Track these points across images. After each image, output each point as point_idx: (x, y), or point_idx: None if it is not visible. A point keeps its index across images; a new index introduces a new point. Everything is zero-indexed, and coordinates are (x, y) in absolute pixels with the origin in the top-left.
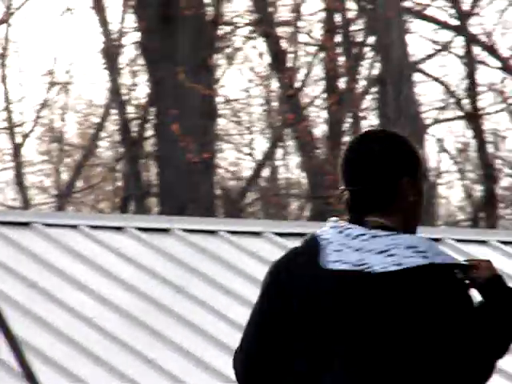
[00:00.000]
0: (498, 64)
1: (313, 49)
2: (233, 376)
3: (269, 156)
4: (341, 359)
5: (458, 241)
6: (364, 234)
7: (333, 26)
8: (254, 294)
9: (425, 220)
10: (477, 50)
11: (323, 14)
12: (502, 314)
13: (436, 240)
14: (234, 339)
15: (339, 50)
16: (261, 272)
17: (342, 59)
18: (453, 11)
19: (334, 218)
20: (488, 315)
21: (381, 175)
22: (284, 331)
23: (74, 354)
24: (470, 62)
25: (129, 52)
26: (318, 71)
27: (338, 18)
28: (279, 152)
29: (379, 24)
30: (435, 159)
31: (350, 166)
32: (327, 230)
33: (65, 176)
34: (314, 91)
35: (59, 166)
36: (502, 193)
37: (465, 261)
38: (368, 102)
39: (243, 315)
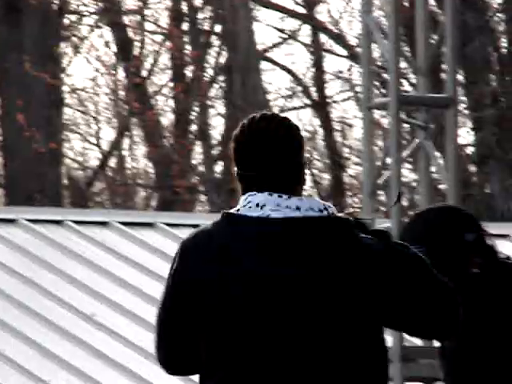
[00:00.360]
0: (345, 52)
1: (159, 37)
2: None
3: (115, 145)
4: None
5: None
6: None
7: (179, 14)
8: (99, 282)
9: None
10: (324, 38)
11: (169, 2)
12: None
13: None
14: (82, 329)
15: (186, 38)
16: (106, 260)
17: (188, 48)
18: None
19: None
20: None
21: (290, 156)
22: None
23: None
24: (317, 51)
25: None
26: (165, 60)
27: (184, 6)
28: (126, 141)
29: (226, 12)
30: None
31: (259, 149)
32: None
33: None
34: (160, 80)
35: None
36: (349, 181)
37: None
38: (215, 90)
39: (87, 302)
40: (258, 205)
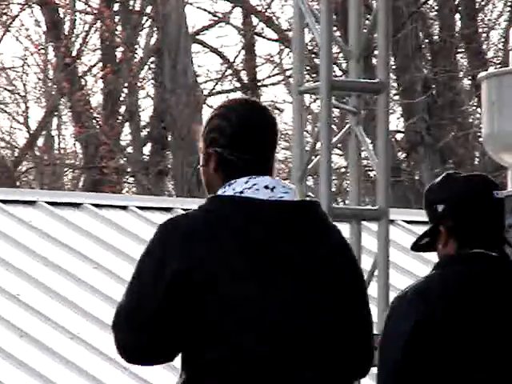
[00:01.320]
0: (276, 36)
1: (90, 17)
2: None
3: (44, 125)
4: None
5: None
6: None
7: None
8: (24, 261)
9: (200, 192)
10: (255, 22)
11: None
12: None
13: None
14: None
15: (117, 19)
16: (34, 240)
17: (119, 28)
18: None
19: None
20: None
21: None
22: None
23: None
24: (248, 34)
25: None
26: (95, 40)
27: None
28: (54, 121)
29: None
30: None
31: (274, 136)
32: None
33: None
34: (90, 60)
35: None
36: (277, 166)
37: None
38: (145, 71)
39: (13, 282)
40: (267, 187)
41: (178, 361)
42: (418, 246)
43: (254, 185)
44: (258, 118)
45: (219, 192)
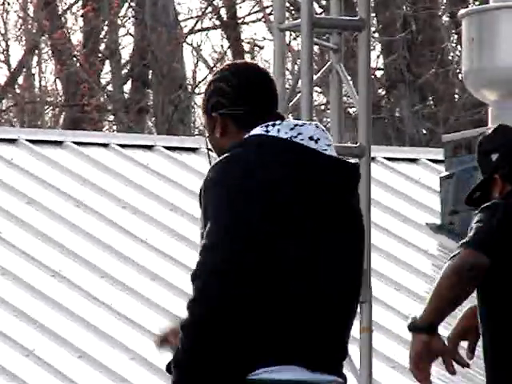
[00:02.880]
0: None
1: None
2: None
3: (24, 63)
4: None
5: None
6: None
7: None
8: (7, 199)
9: (181, 129)
10: None
11: None
12: None
13: (192, 149)
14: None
15: None
16: (15, 178)
17: None
18: None
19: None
20: None
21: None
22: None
23: None
24: None
25: None
26: None
27: None
28: (35, 59)
29: None
30: (191, 68)
31: (274, 91)
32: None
33: None
34: None
35: None
36: None
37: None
38: (125, 9)
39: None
40: (311, 138)
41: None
42: (472, 201)
43: (300, 134)
44: (255, 74)
45: (256, 130)
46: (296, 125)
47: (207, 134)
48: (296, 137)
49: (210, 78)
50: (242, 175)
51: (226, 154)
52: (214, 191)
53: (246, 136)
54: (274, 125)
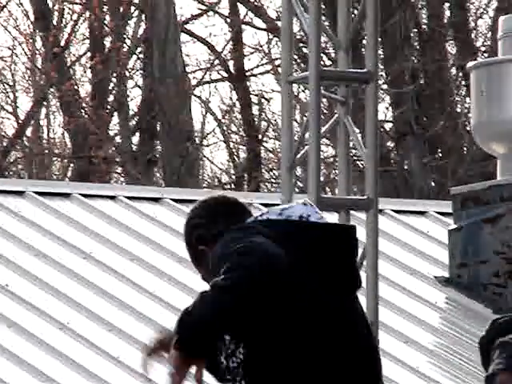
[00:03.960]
0: (265, 25)
1: (78, 7)
2: None
3: (32, 115)
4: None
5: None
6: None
7: None
8: (15, 252)
9: (189, 181)
10: (243, 11)
11: None
12: None
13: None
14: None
15: (105, 8)
16: (23, 230)
17: (107, 18)
18: None
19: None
20: None
21: None
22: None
23: None
24: (236, 23)
25: None
26: (84, 30)
27: None
28: (43, 111)
29: None
30: (200, 120)
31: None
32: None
33: None
34: (78, 50)
35: None
36: (266, 155)
37: None
38: (133, 61)
39: (1, 273)
40: (301, 216)
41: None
42: None
43: (289, 217)
44: (222, 199)
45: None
46: (283, 209)
47: (195, 265)
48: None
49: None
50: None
51: (231, 235)
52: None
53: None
54: (261, 215)
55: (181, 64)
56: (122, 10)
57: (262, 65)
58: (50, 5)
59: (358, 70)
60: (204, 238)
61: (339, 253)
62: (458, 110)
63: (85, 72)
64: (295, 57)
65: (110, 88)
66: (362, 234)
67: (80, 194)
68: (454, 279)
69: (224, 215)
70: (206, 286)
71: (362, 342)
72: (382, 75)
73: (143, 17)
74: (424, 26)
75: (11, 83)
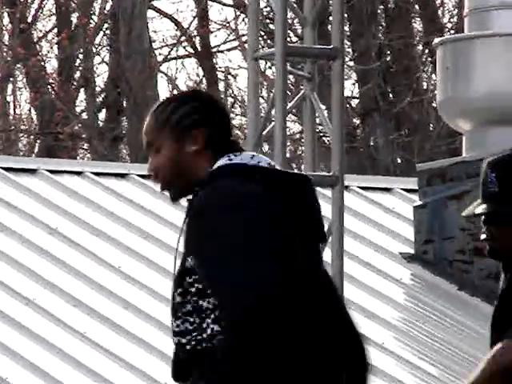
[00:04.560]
0: (231, 1)
1: None
2: None
3: None
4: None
5: None
6: None
7: None
8: None
9: None
10: None
11: None
12: None
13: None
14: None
15: None
16: None
17: None
18: None
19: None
20: None
21: None
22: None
23: None
24: None
25: None
26: (50, 6)
27: None
28: (10, 87)
29: None
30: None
31: (227, 111)
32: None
33: None
34: (45, 26)
35: None
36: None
37: None
38: (100, 37)
39: None
40: (269, 164)
41: None
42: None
43: (260, 162)
44: (218, 101)
45: (223, 161)
46: (253, 155)
47: (170, 153)
48: (259, 163)
49: (171, 98)
50: (256, 204)
51: (223, 184)
52: (233, 217)
53: (214, 167)
54: (235, 155)
55: (147, 40)
56: None
57: (229, 41)
58: None
59: (325, 47)
60: (201, 124)
61: (310, 200)
62: (424, 86)
63: (51, 48)
64: (262, 33)
65: (76, 64)
66: (327, 211)
67: (47, 170)
68: (420, 256)
69: (217, 119)
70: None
71: (327, 291)
72: (348, 52)
73: None
74: (390, 3)
75: None
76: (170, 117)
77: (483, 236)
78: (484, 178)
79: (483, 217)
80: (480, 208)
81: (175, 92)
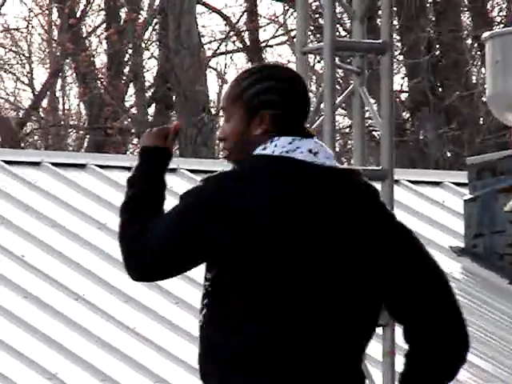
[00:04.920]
0: None
1: None
2: None
3: (48, 86)
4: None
5: None
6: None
7: None
8: (30, 223)
9: (204, 152)
10: None
11: None
12: None
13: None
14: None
15: None
16: (39, 201)
17: None
18: None
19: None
20: None
21: None
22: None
23: None
24: None
25: None
26: (99, 1)
27: None
28: (59, 82)
29: None
30: (215, 91)
31: (306, 93)
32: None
33: None
34: (94, 21)
35: None
36: None
37: None
38: (149, 32)
39: (18, 244)
40: (310, 151)
41: None
42: None
43: (298, 148)
44: (298, 81)
45: (259, 149)
46: (294, 139)
47: (236, 128)
48: (295, 150)
49: (253, 69)
50: (218, 191)
51: (220, 172)
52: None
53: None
54: (272, 141)
55: (196, 35)
56: None
57: (278, 36)
58: None
59: (373, 41)
60: (269, 106)
61: (336, 199)
62: (474, 80)
63: (100, 43)
64: (311, 27)
65: (125, 59)
66: None
67: (96, 165)
68: (470, 249)
69: (296, 104)
70: None
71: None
72: (397, 46)
73: None
74: None
75: (27, 54)
76: (244, 92)
77: None
78: None
79: None
80: None
81: (223, 88)
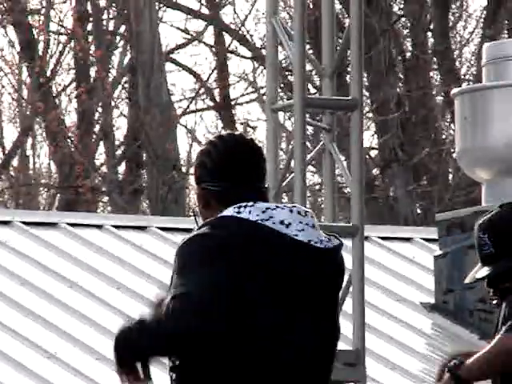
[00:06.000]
0: (250, 54)
1: (64, 37)
2: None
3: (19, 145)
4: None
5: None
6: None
7: (84, 15)
8: (2, 281)
9: (175, 210)
10: (228, 40)
11: (74, 3)
12: None
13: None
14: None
15: (90, 38)
16: (10, 260)
17: (93, 48)
18: (204, 0)
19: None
20: None
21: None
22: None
23: None
24: (221, 52)
25: None
26: (69, 60)
27: (89, 6)
28: (29, 141)
29: (130, 12)
30: (186, 149)
31: (259, 165)
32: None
33: None
34: (64, 80)
35: None
36: None
37: None
38: (119, 90)
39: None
40: (282, 222)
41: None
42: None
43: (271, 217)
44: (240, 148)
45: (229, 211)
46: (268, 208)
47: (198, 206)
48: (267, 220)
49: (201, 147)
50: (219, 249)
51: (196, 232)
52: (193, 255)
53: (218, 216)
54: (245, 206)
55: (166, 93)
56: (107, 39)
57: (248, 93)
58: (36, 35)
59: (343, 98)
60: (203, 180)
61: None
62: (443, 136)
63: (70, 102)
64: (280, 85)
65: (95, 117)
66: (348, 261)
67: (67, 224)
68: (440, 305)
69: (234, 172)
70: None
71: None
72: (366, 103)
73: (128, 46)
74: (408, 54)
75: None
76: (195, 165)
77: (491, 298)
78: (478, 241)
79: (486, 280)
80: (481, 272)
81: (194, 146)
